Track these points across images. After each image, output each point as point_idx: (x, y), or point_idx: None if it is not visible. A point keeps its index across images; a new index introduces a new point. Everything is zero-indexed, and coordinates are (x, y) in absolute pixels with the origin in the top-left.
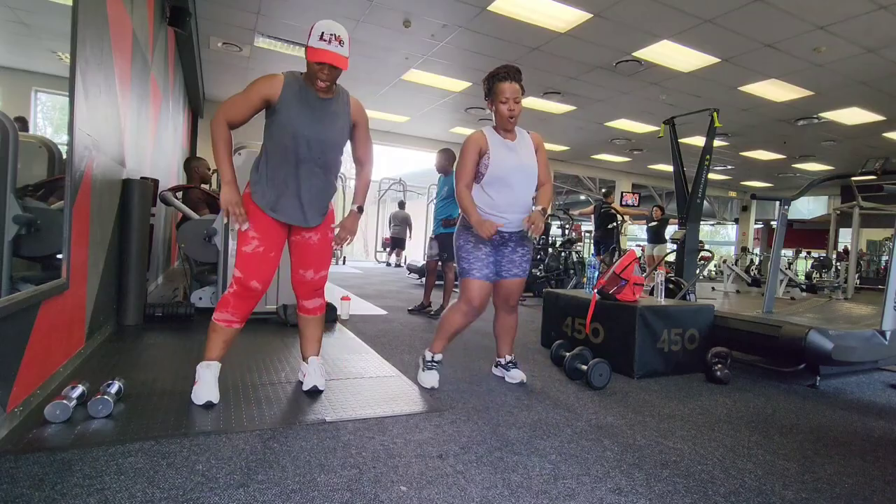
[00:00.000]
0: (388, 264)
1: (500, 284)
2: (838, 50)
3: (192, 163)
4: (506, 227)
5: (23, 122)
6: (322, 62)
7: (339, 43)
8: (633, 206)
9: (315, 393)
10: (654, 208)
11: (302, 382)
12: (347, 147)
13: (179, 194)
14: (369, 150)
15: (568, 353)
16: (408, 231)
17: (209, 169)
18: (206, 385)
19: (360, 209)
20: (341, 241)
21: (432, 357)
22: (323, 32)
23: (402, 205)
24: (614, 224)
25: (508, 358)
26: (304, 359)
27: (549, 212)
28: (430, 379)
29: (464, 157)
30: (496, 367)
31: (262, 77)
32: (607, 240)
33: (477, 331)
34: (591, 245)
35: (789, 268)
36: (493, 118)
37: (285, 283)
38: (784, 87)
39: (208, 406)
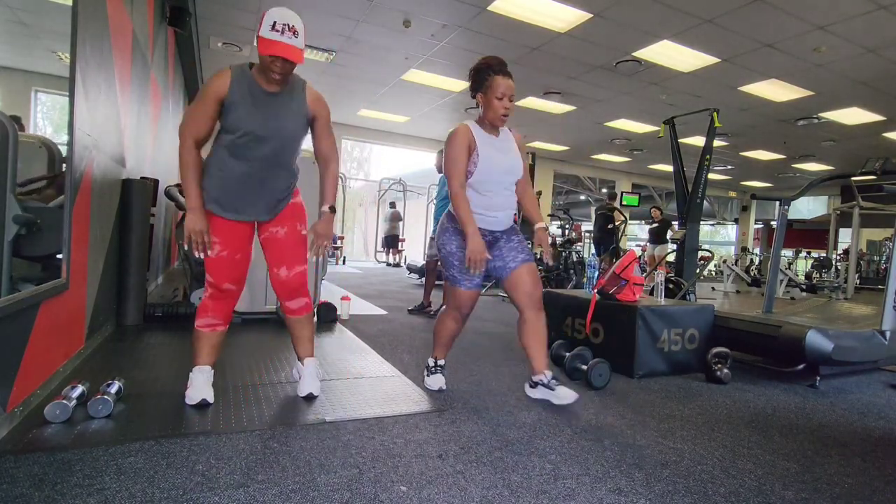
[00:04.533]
0: (388, 264)
1: (513, 278)
2: (838, 50)
3: None
4: (495, 227)
5: (18, 122)
6: (274, 55)
7: (294, 34)
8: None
9: (314, 396)
10: (653, 209)
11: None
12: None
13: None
14: (332, 144)
15: (568, 353)
16: (400, 228)
17: None
18: (199, 387)
19: (333, 209)
20: (318, 249)
21: (435, 362)
22: (275, 22)
23: (392, 205)
24: (612, 225)
25: (549, 374)
26: (299, 359)
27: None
28: (437, 381)
29: (454, 153)
30: (533, 387)
31: (211, 77)
32: (606, 240)
33: (476, 331)
34: (591, 245)
35: (789, 268)
36: (482, 112)
37: None
38: (784, 87)
39: (203, 405)
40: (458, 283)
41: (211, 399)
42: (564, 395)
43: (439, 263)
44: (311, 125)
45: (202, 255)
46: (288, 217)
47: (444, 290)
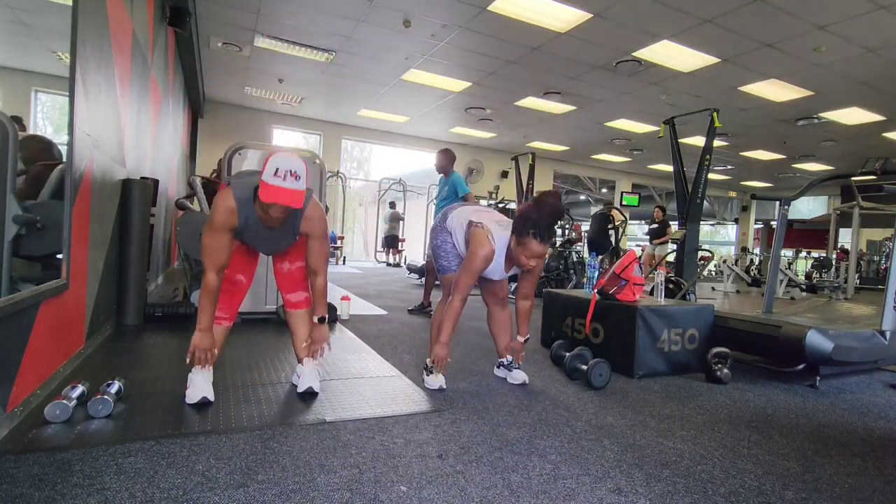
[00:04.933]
0: (388, 264)
1: (486, 285)
2: (838, 50)
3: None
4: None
5: (20, 123)
6: (274, 203)
7: (295, 178)
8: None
9: (313, 394)
10: (656, 209)
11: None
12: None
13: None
14: (323, 259)
15: (568, 353)
16: (400, 228)
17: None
18: (199, 385)
19: (322, 320)
20: (314, 353)
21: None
22: (278, 168)
23: (392, 205)
24: (613, 225)
25: (510, 358)
26: (299, 360)
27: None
28: (436, 381)
29: (476, 265)
30: (498, 367)
31: (218, 211)
32: (602, 242)
33: (476, 331)
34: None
35: (789, 268)
36: (511, 247)
37: None
38: (784, 87)
39: (204, 403)
40: (448, 270)
41: (211, 397)
42: (517, 376)
43: (434, 252)
44: (307, 236)
45: (205, 368)
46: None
47: (442, 285)
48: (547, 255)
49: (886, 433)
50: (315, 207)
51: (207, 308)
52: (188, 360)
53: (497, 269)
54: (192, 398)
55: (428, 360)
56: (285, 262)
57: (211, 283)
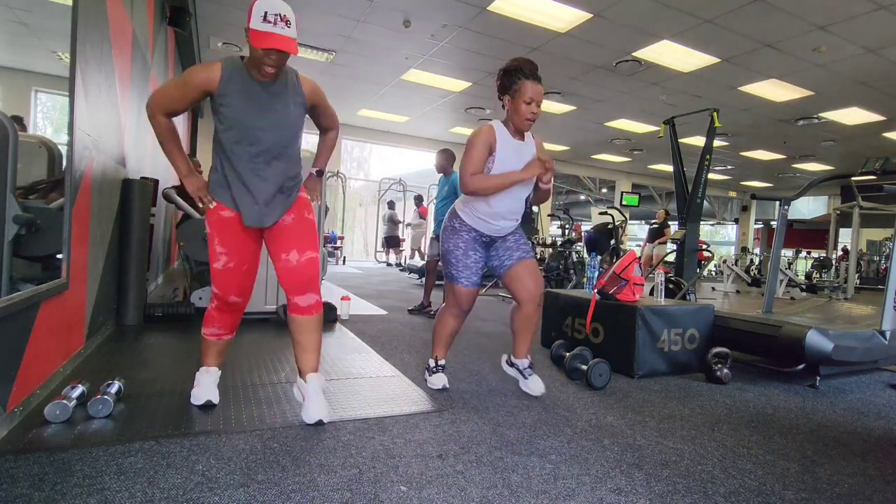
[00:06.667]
0: (388, 264)
1: (511, 274)
2: (838, 50)
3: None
4: (497, 234)
5: (20, 122)
6: (269, 48)
7: (286, 24)
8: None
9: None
10: (661, 211)
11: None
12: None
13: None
14: (333, 118)
15: (568, 353)
16: (399, 229)
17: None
18: (205, 387)
19: (320, 173)
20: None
21: (436, 362)
22: (266, 12)
23: (391, 205)
24: (613, 224)
25: (526, 362)
26: (301, 375)
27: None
28: (439, 380)
29: (473, 150)
30: (510, 365)
31: (198, 66)
32: (601, 242)
33: (477, 331)
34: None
35: (789, 268)
36: (508, 115)
37: None
38: (784, 87)
39: (208, 406)
40: (456, 281)
41: (216, 400)
42: (534, 386)
43: (440, 263)
44: (311, 112)
45: (211, 205)
46: (294, 207)
47: (445, 288)
48: (550, 249)
49: (886, 433)
50: (311, 81)
51: (175, 151)
52: (200, 206)
53: (509, 161)
54: (198, 399)
55: (430, 360)
56: (292, 252)
57: (161, 124)
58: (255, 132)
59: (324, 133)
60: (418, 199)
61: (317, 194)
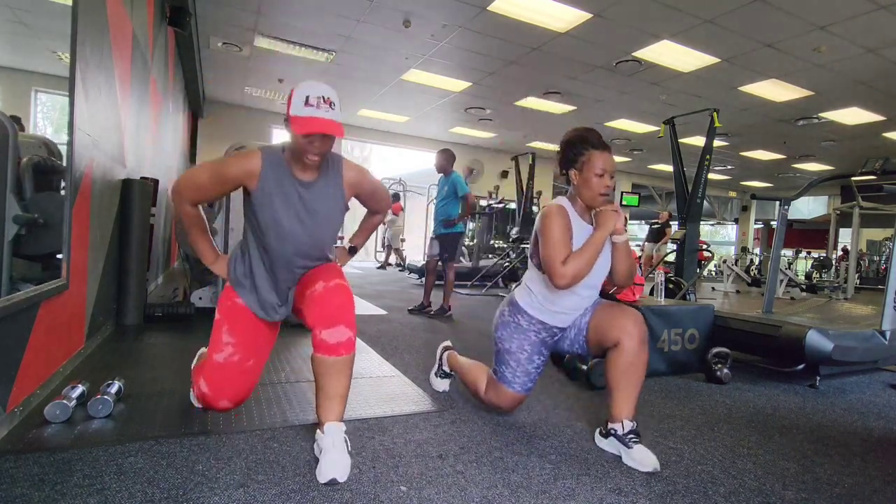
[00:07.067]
0: (382, 266)
1: (594, 325)
2: (838, 50)
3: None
4: (560, 323)
5: (18, 123)
6: (312, 133)
7: (330, 105)
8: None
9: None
10: (665, 212)
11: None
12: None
13: None
14: (381, 203)
15: (568, 353)
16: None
17: None
18: None
19: (353, 251)
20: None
21: (447, 372)
22: (308, 96)
23: None
24: None
25: (630, 425)
26: (320, 424)
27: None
28: (442, 384)
29: (552, 235)
30: (606, 435)
31: (237, 157)
32: None
33: (477, 331)
34: None
35: (789, 268)
36: (575, 190)
37: None
38: (784, 87)
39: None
40: (510, 385)
41: None
42: (642, 458)
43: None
44: (357, 197)
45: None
46: None
47: (488, 380)
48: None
49: (886, 433)
50: (352, 165)
51: (201, 239)
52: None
53: (581, 234)
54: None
55: (445, 366)
56: (318, 283)
57: (188, 213)
58: (293, 237)
59: (370, 215)
60: (394, 197)
61: (341, 262)
